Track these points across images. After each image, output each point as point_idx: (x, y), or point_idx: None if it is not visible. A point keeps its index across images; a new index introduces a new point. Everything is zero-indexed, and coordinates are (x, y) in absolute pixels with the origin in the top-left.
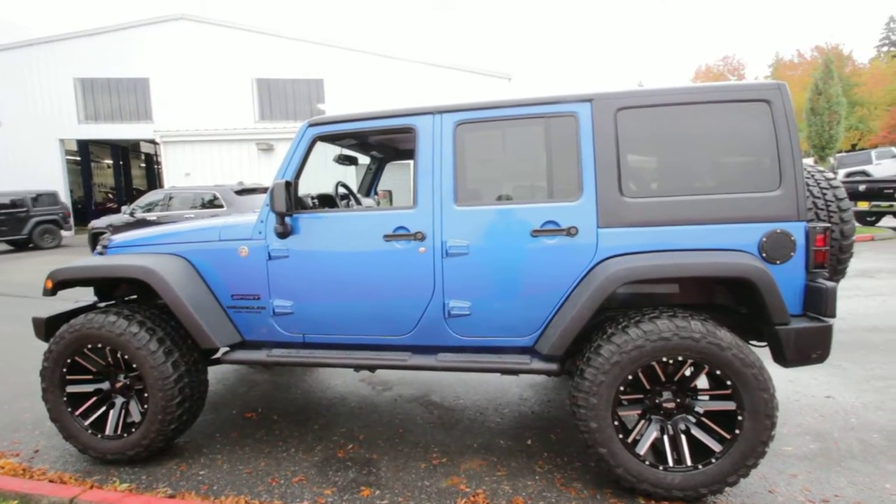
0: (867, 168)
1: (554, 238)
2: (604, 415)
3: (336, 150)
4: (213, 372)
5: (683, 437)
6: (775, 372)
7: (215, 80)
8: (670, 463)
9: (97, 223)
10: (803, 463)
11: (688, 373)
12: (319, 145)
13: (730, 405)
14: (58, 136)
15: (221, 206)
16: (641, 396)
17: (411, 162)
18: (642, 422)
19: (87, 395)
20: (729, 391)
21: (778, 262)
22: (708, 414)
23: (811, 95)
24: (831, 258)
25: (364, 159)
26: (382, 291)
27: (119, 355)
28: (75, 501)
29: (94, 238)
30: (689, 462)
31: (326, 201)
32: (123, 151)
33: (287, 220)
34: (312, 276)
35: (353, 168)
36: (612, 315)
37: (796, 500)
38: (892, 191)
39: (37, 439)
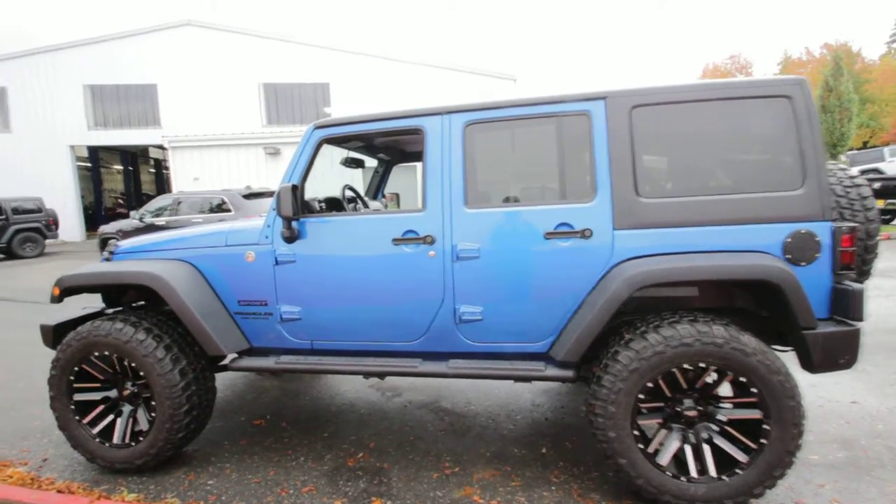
0: (880, 165)
1: (568, 240)
2: (623, 424)
3: (343, 153)
4: (222, 378)
5: (706, 447)
6: (796, 377)
7: (222, 85)
8: (693, 474)
9: (107, 228)
10: (831, 472)
11: (710, 380)
12: (326, 148)
13: (755, 413)
14: (68, 142)
15: (229, 211)
16: (662, 404)
17: (418, 164)
18: (663, 431)
19: (94, 404)
20: (754, 399)
21: (803, 263)
22: (732, 422)
23: (821, 93)
24: (856, 259)
25: (371, 162)
26: (391, 297)
27: (126, 363)
28: None
29: (105, 243)
30: (713, 473)
31: (333, 205)
32: (133, 157)
33: (294, 224)
34: (320, 281)
35: (359, 171)
36: (629, 319)
37: None
38: None
39: (45, 447)
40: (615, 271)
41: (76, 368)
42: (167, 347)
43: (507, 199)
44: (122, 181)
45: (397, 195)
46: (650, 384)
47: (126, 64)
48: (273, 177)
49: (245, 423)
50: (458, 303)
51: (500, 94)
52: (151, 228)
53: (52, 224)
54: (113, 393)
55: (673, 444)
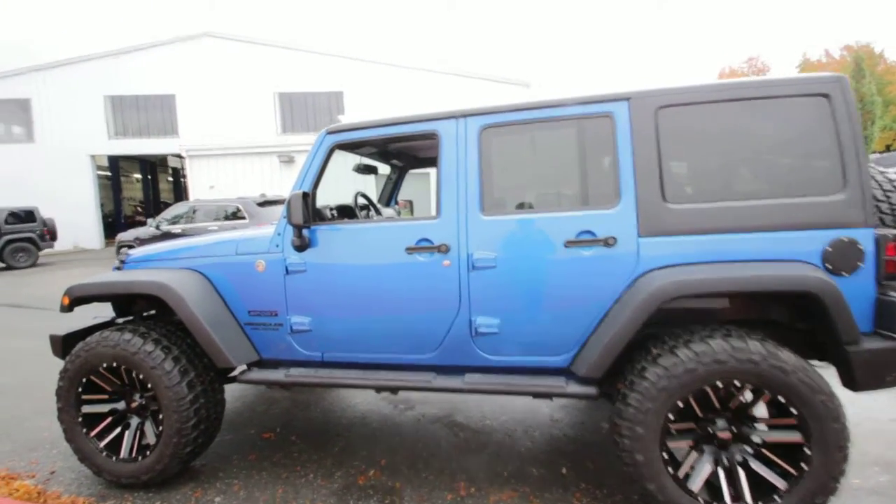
0: None
1: (590, 249)
2: (651, 446)
3: (355, 159)
4: (232, 389)
5: (741, 471)
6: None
7: (239, 94)
8: (727, 500)
9: (124, 236)
10: (872, 498)
11: (746, 399)
12: (338, 154)
13: (795, 436)
14: (88, 152)
15: (244, 218)
16: (693, 425)
17: (432, 170)
18: (694, 454)
19: (102, 416)
20: (794, 421)
21: (844, 273)
22: (769, 445)
23: None
24: None
25: (384, 169)
26: (404, 307)
27: (134, 374)
28: None
29: (122, 250)
30: (748, 499)
31: (345, 212)
32: (151, 166)
33: (304, 232)
34: (330, 290)
35: (372, 178)
36: (655, 332)
37: None
38: None
39: (54, 460)
40: (641, 281)
41: (84, 380)
42: (175, 359)
43: (525, 206)
44: (141, 189)
45: (410, 202)
46: (680, 403)
47: (145, 75)
48: (287, 185)
49: (254, 437)
50: (473, 314)
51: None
52: (168, 236)
53: (46, 234)
54: (121, 405)
55: (705, 468)
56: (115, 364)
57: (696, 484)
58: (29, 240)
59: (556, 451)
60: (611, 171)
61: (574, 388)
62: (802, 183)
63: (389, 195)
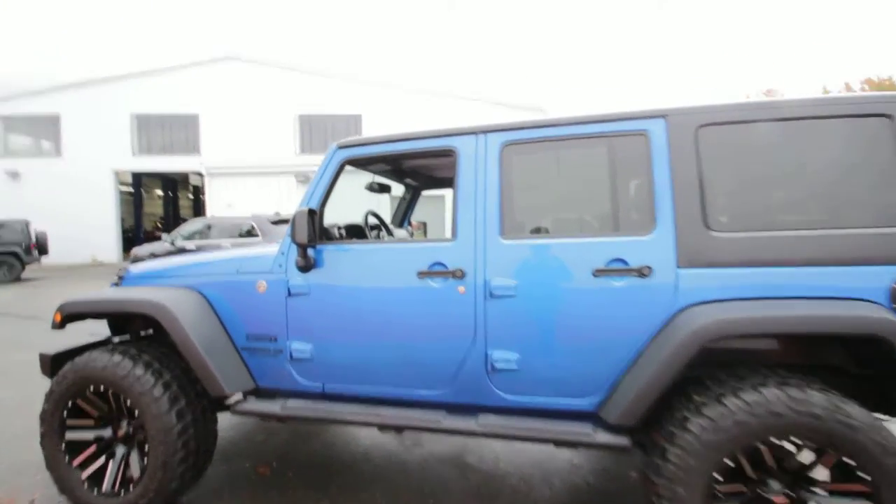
0: None
1: (622, 279)
2: None
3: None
4: (229, 415)
5: None
6: None
7: (260, 116)
8: None
9: (139, 251)
10: None
11: (805, 459)
12: (349, 170)
13: None
14: (112, 167)
15: (257, 236)
16: (742, 488)
17: (447, 193)
18: None
19: (87, 443)
20: (865, 488)
21: None
22: None
23: None
24: None
25: (398, 189)
26: (414, 337)
27: (122, 400)
28: None
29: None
30: None
31: (355, 232)
32: (173, 183)
33: (309, 252)
34: (334, 315)
35: (387, 197)
36: (696, 375)
37: None
38: None
39: (36, 486)
40: (681, 318)
41: (70, 404)
42: (166, 385)
43: (548, 230)
44: (162, 206)
45: (424, 224)
46: (728, 462)
47: (171, 94)
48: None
49: (249, 470)
50: (490, 348)
51: None
52: (182, 252)
53: (32, 248)
54: (107, 432)
55: None
56: (102, 388)
57: None
58: (11, 254)
59: (578, 502)
60: (645, 194)
61: (603, 437)
62: (864, 212)
63: (402, 216)
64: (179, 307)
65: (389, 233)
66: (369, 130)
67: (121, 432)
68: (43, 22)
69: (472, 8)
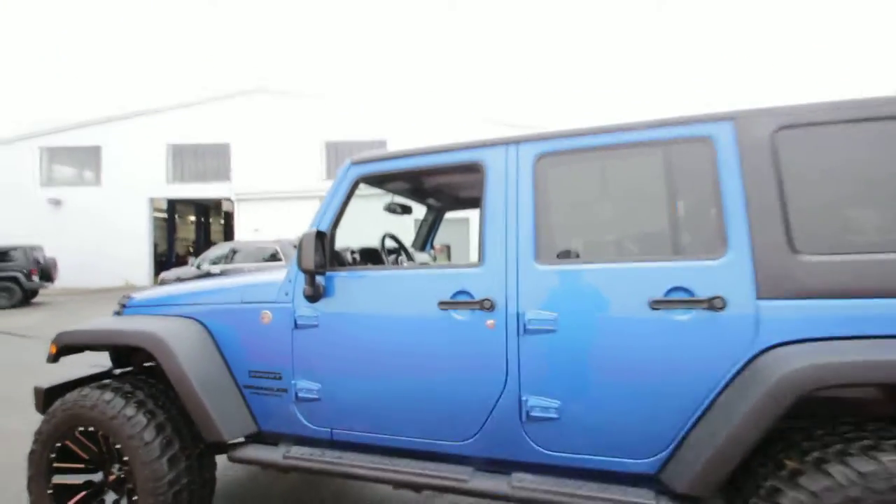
0: None
1: (686, 313)
2: None
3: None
4: None
5: None
6: None
7: (288, 143)
8: None
9: (167, 274)
10: None
11: None
12: (364, 189)
13: None
14: (148, 195)
15: (281, 260)
16: None
17: (472, 214)
18: None
19: (75, 488)
20: None
21: None
22: None
23: None
24: None
25: (419, 209)
26: (434, 378)
27: (112, 442)
28: None
29: None
30: None
31: (370, 257)
32: (205, 209)
33: (318, 279)
34: (345, 351)
35: (409, 220)
36: (781, 428)
37: None
38: None
39: None
40: (764, 361)
41: (58, 444)
42: (159, 427)
43: (593, 253)
44: (194, 231)
45: (448, 247)
46: None
47: (204, 125)
48: None
49: None
50: (525, 392)
51: None
52: (208, 276)
53: (33, 273)
54: (98, 476)
55: None
56: (91, 428)
57: None
58: (13, 279)
59: None
60: (712, 210)
61: None
62: None
63: (424, 239)
64: (176, 339)
65: (409, 257)
66: None
67: (112, 477)
68: (82, 57)
69: (473, 8)
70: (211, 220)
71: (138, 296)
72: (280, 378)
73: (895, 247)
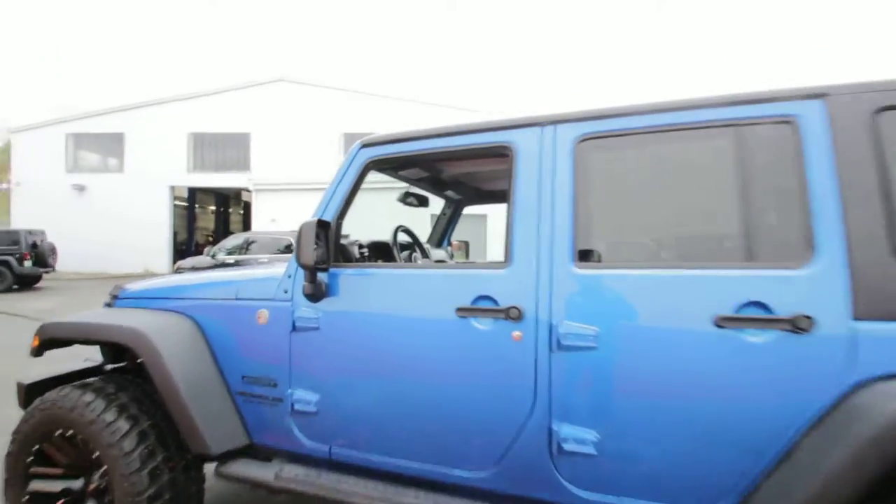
0: None
1: (762, 334)
2: None
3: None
4: None
5: None
6: None
7: (307, 134)
8: None
9: (183, 263)
10: None
11: None
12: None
13: None
14: (169, 182)
15: None
16: None
17: (491, 210)
18: None
19: (54, 496)
20: None
21: None
22: None
23: None
24: None
25: (436, 202)
26: (449, 395)
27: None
28: None
29: None
30: None
31: (381, 252)
32: (225, 199)
33: (320, 276)
34: (347, 359)
35: (426, 213)
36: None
37: None
38: None
39: None
40: (863, 398)
41: (36, 447)
42: (141, 435)
43: (642, 256)
44: (214, 220)
45: (467, 243)
46: None
47: (225, 114)
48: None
49: None
50: (556, 420)
51: None
52: (223, 266)
53: (25, 258)
54: (78, 484)
55: None
56: (71, 432)
57: None
58: (4, 262)
59: None
60: (796, 206)
61: None
62: None
63: (442, 234)
64: (162, 336)
65: (424, 254)
66: None
67: (92, 486)
68: (106, 45)
69: (472, 7)
70: (231, 209)
71: (131, 287)
72: (276, 386)
73: None
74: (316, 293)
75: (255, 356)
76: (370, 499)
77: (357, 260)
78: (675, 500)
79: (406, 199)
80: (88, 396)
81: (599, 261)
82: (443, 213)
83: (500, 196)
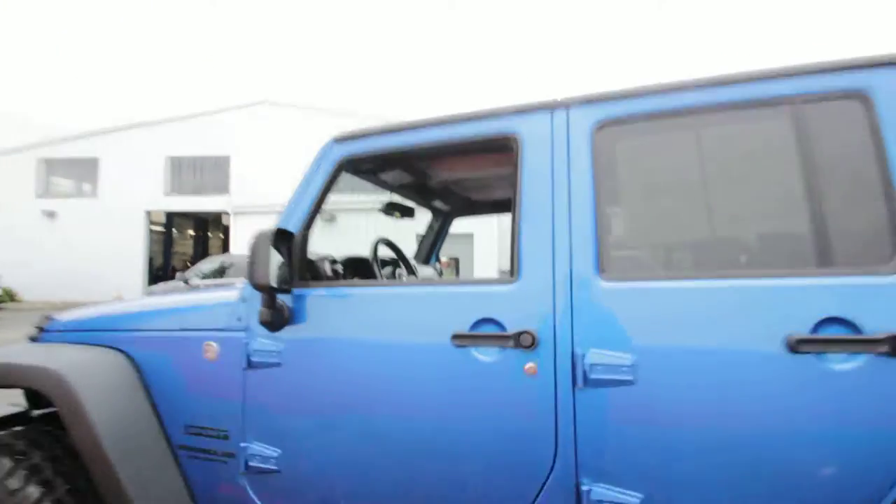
0: None
1: (848, 360)
2: None
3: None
4: None
5: None
6: None
7: (288, 156)
8: None
9: (154, 289)
10: None
11: None
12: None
13: None
14: (145, 207)
15: None
16: None
17: (477, 228)
18: None
19: None
20: None
21: None
22: None
23: None
24: None
25: (422, 215)
26: (445, 448)
27: None
28: None
29: None
30: None
31: (359, 269)
32: (204, 223)
33: (281, 300)
34: (317, 402)
35: (409, 231)
36: None
37: None
38: None
39: None
40: None
41: None
42: None
43: (685, 265)
44: (192, 245)
45: (456, 260)
46: None
47: (204, 137)
48: (327, 243)
49: None
50: (585, 477)
51: None
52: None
53: None
54: None
55: None
56: None
57: None
58: None
59: None
60: (877, 199)
61: None
62: None
63: (429, 250)
64: (86, 378)
65: (411, 271)
66: None
67: None
68: (79, 68)
69: (473, 8)
70: (210, 233)
71: (62, 317)
72: (226, 438)
73: None
74: (275, 320)
75: (202, 401)
76: None
77: (329, 278)
78: None
79: (389, 210)
80: None
81: (631, 272)
82: (430, 226)
83: (495, 206)
